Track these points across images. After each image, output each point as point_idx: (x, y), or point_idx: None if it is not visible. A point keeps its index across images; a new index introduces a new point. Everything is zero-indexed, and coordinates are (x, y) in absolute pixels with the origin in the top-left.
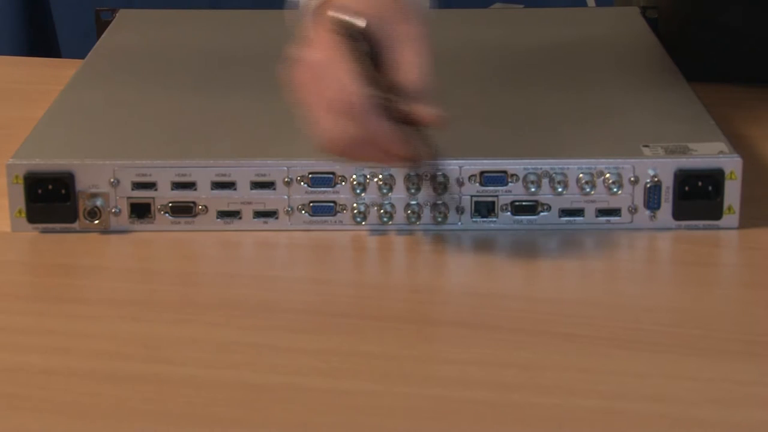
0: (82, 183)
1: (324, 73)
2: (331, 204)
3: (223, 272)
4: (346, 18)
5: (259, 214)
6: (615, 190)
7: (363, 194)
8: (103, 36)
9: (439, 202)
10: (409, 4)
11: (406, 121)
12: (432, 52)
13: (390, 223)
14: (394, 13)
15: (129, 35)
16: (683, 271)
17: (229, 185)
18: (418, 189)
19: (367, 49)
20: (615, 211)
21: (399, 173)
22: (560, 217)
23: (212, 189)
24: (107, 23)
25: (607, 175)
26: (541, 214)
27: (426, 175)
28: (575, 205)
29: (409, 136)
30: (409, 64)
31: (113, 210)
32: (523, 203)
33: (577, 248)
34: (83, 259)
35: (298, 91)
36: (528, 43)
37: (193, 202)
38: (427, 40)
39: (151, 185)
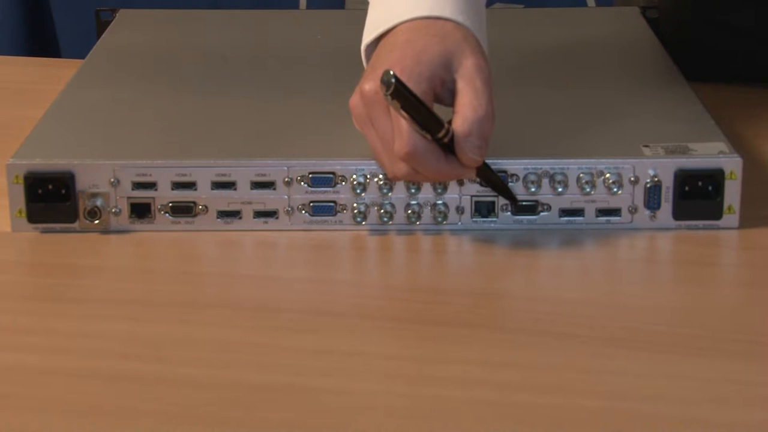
0: (82, 183)
1: (374, 114)
2: (332, 204)
3: (223, 272)
4: (385, 87)
5: (259, 214)
6: (615, 190)
7: (363, 194)
8: (103, 36)
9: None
10: (476, 39)
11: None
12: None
13: (390, 223)
14: (461, 48)
15: (129, 35)
16: (683, 271)
17: (229, 185)
18: (418, 189)
19: (424, 88)
20: (615, 211)
21: None
22: (560, 217)
23: (212, 189)
24: (107, 23)
25: (607, 175)
26: (541, 214)
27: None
28: (575, 205)
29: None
30: (465, 106)
31: (113, 210)
32: (523, 203)
33: (577, 248)
34: (83, 259)
35: (355, 119)
36: (528, 43)
37: (193, 202)
38: (490, 75)
39: (151, 185)
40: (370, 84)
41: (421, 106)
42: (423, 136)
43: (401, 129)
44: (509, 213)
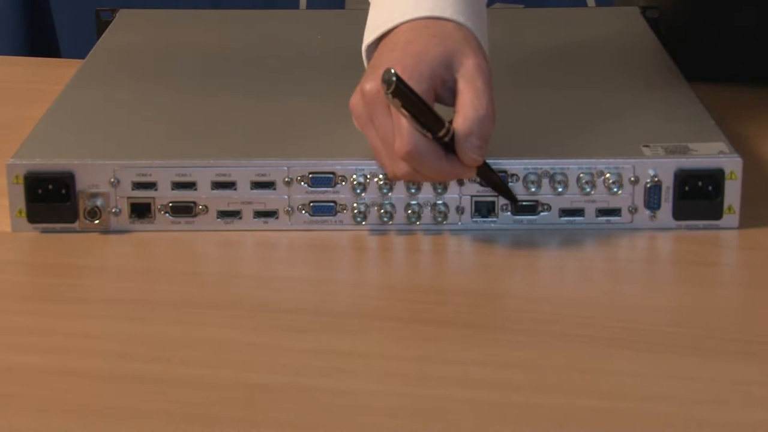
0: (82, 183)
1: (375, 114)
2: (332, 204)
3: (223, 272)
4: (386, 86)
5: (259, 214)
6: (615, 190)
7: (363, 194)
8: (103, 36)
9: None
10: (476, 39)
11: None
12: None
13: (390, 223)
14: (462, 48)
15: (129, 35)
16: (683, 271)
17: (229, 185)
18: (418, 189)
19: (425, 87)
20: (615, 211)
21: None
22: (560, 217)
23: (212, 189)
24: (107, 23)
25: (607, 175)
26: (541, 214)
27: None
28: (575, 205)
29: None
30: (466, 105)
31: (113, 210)
32: (523, 203)
33: (577, 248)
34: (83, 259)
35: (355, 119)
36: (528, 43)
37: (193, 202)
38: (491, 75)
39: (151, 185)
40: (371, 83)
41: (422, 105)
42: (423, 135)
43: (402, 128)
44: (509, 213)
